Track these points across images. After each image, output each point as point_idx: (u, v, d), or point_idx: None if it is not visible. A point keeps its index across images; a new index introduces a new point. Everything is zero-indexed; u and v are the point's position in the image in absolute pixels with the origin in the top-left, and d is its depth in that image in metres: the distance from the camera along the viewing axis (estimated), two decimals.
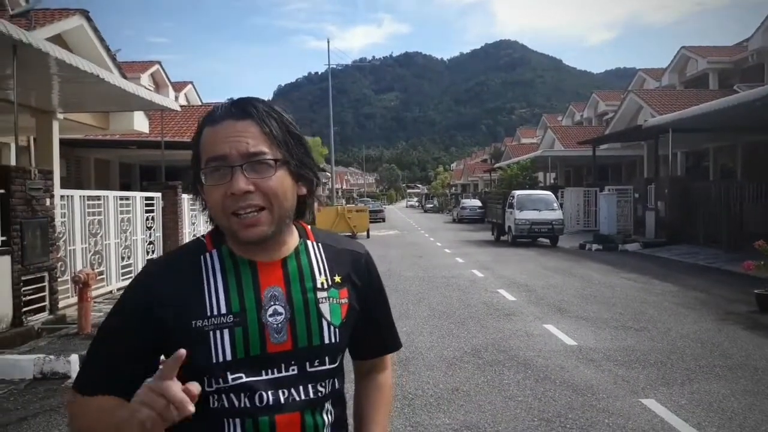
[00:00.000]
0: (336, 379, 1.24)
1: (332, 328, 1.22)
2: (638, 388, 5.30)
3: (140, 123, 14.35)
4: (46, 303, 7.75)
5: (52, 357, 5.93)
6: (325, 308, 1.22)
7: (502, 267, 14.67)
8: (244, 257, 1.20)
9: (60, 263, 8.41)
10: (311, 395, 1.18)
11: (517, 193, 22.66)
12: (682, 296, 10.17)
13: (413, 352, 6.54)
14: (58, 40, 11.28)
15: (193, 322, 1.14)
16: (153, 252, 11.84)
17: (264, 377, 1.15)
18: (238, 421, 1.13)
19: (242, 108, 1.16)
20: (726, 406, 4.80)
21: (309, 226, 1.32)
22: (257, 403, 1.13)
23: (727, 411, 4.70)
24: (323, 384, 1.20)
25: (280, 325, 1.17)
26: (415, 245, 22.17)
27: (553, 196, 22.79)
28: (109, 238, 10.04)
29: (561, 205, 23.58)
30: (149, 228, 11.71)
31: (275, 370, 1.15)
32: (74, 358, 5.93)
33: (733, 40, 32.31)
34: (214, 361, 1.12)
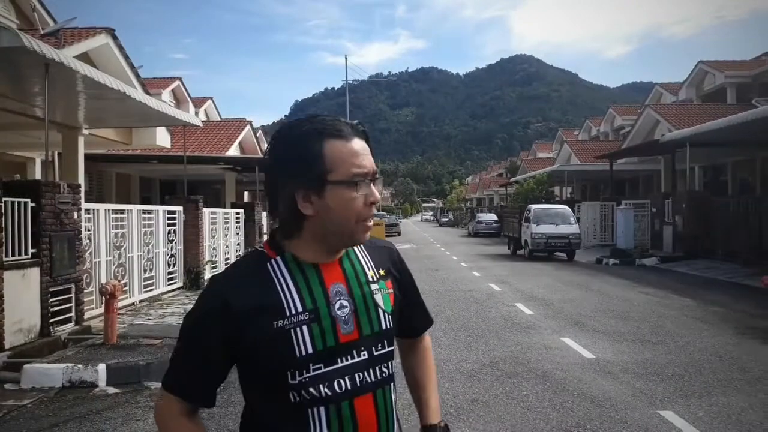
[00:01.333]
0: (392, 360, 1.39)
1: (386, 315, 1.37)
2: (656, 400, 5.33)
3: (162, 138, 14.66)
4: (72, 314, 7.93)
5: (80, 366, 6.09)
6: (378, 298, 1.36)
7: (519, 281, 14.69)
8: (307, 261, 1.32)
9: (86, 275, 8.61)
10: (379, 376, 1.32)
11: (534, 207, 22.68)
12: (700, 311, 10.14)
13: None
14: (85, 57, 11.60)
15: (275, 323, 1.25)
16: (174, 265, 12.04)
17: (339, 365, 1.27)
18: (322, 409, 1.25)
19: (362, 130, 1.34)
20: (744, 419, 4.83)
21: None
22: (337, 390, 1.26)
23: (745, 423, 4.73)
24: (386, 365, 1.35)
25: (347, 317, 1.30)
26: (431, 259, 22.23)
27: (570, 210, 22.77)
28: (132, 251, 10.25)
29: (578, 220, 23.56)
30: (171, 241, 11.92)
31: (348, 358, 1.28)
32: (101, 368, 6.08)
33: (751, 54, 32.15)
34: (298, 355, 1.24)
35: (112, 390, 5.88)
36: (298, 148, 1.27)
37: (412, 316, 1.57)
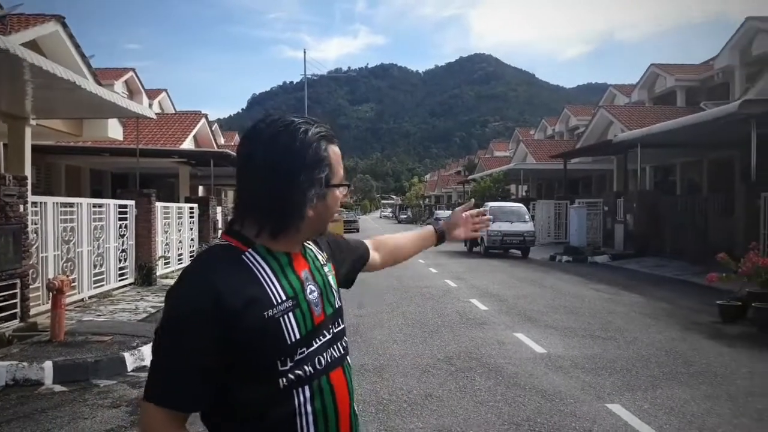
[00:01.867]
0: (345, 335, 1.47)
1: (338, 293, 1.48)
2: (604, 393, 5.48)
3: (114, 130, 14.30)
4: (17, 310, 7.68)
5: (25, 364, 5.90)
6: (331, 279, 1.46)
7: (474, 277, 14.86)
8: (280, 251, 1.36)
9: (32, 270, 8.34)
10: (342, 351, 1.42)
11: (490, 204, 22.97)
12: (648, 307, 10.45)
13: (387, 360, 6.64)
14: (33, 45, 11.22)
15: (266, 313, 1.26)
16: (126, 260, 11.77)
17: (315, 346, 1.34)
18: (306, 387, 1.30)
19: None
20: (686, 410, 5.00)
21: None
22: (318, 367, 1.33)
23: (687, 415, 4.90)
24: (344, 340, 1.45)
25: (316, 300, 1.37)
26: None
27: (525, 208, 23.16)
28: (81, 246, 9.97)
29: (532, 218, 23.98)
30: (122, 236, 11.64)
31: (320, 338, 1.36)
32: (48, 365, 5.91)
33: (701, 59, 33.22)
34: (289, 342, 1.28)
35: (58, 388, 5.72)
36: (317, 152, 1.32)
37: (355, 254, 1.78)
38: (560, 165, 27.66)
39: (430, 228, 2.06)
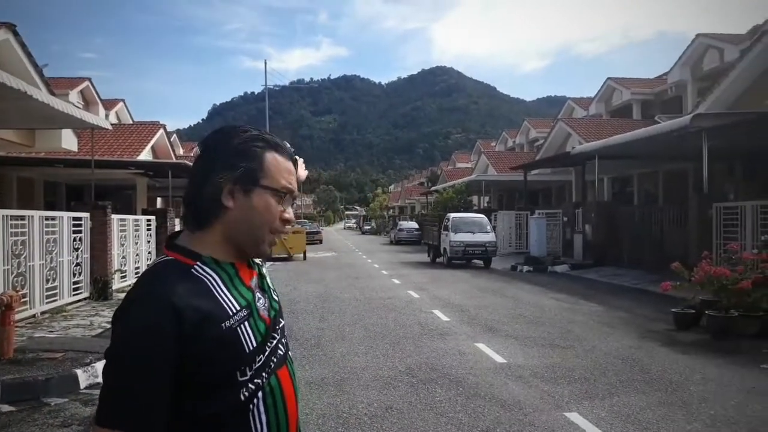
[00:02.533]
0: (285, 333, 1.49)
1: (275, 294, 1.49)
2: (563, 402, 5.53)
3: (68, 141, 13.95)
4: None
5: None
6: (269, 281, 1.48)
7: (437, 288, 14.91)
8: (226, 261, 1.36)
9: None
10: (284, 348, 1.43)
11: (452, 215, 23.14)
12: (606, 316, 10.62)
13: (348, 373, 6.59)
14: None
15: (223, 324, 1.26)
16: (80, 274, 11.44)
17: (268, 350, 1.35)
18: (260, 392, 1.31)
19: (295, 161, 1.46)
20: (642, 417, 5.08)
21: None
22: (270, 368, 1.34)
23: (642, 422, 4.98)
24: (285, 338, 1.46)
25: (264, 306, 1.39)
26: (352, 267, 22.22)
27: (487, 219, 23.38)
28: (33, 260, 9.65)
29: (494, 228, 24.23)
30: (76, 249, 11.32)
31: (271, 341, 1.37)
32: None
33: (655, 73, 34.23)
34: (247, 351, 1.29)
35: (6, 408, 5.51)
36: (241, 146, 1.34)
37: None
38: (521, 176, 28.05)
39: None
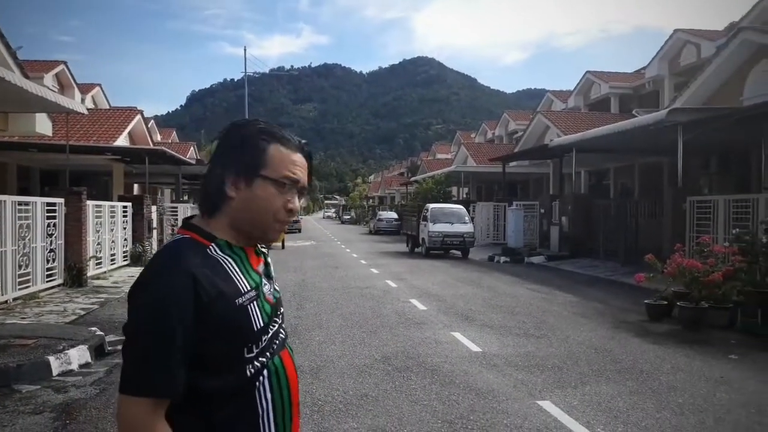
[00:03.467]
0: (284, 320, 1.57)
1: (276, 284, 1.55)
2: (536, 390, 5.61)
3: (43, 125, 13.69)
4: None
5: None
6: (272, 270, 1.56)
7: (415, 278, 14.98)
8: (238, 246, 1.44)
9: None
10: (285, 333, 1.52)
11: (431, 206, 23.22)
12: (581, 306, 10.77)
13: (324, 361, 6.61)
14: None
15: (237, 301, 1.35)
16: (54, 260, 11.29)
17: (271, 332, 1.43)
18: (266, 370, 1.39)
19: (308, 152, 1.51)
20: (613, 406, 5.18)
21: None
22: (273, 350, 1.42)
23: (613, 410, 5.07)
24: (284, 325, 1.55)
25: (270, 291, 1.48)
26: (331, 256, 22.21)
27: (465, 210, 23.50)
28: (5, 245, 9.51)
29: (472, 219, 24.38)
30: (50, 235, 11.17)
31: (274, 324, 1.45)
32: None
33: (634, 67, 34.57)
34: (255, 329, 1.37)
35: None
36: (247, 138, 1.42)
37: None
38: (499, 168, 28.18)
39: None
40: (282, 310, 1.53)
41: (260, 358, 1.38)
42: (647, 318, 9.51)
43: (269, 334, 1.41)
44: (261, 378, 1.38)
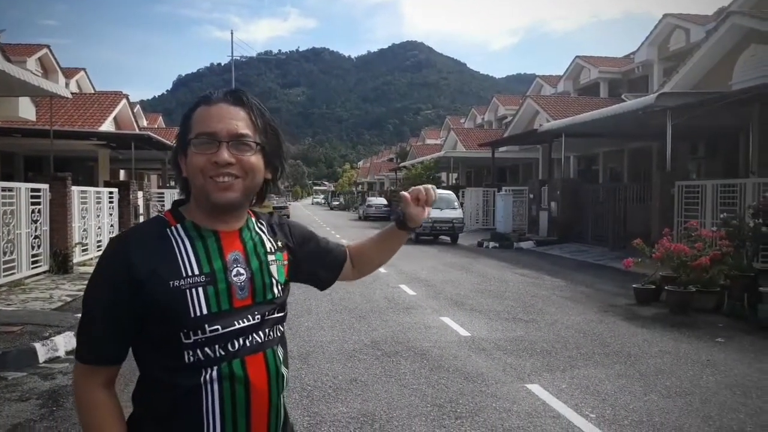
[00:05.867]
0: (281, 324, 1.47)
1: (280, 285, 1.45)
2: (524, 374, 5.63)
3: (26, 110, 13.49)
4: None
5: None
6: (273, 269, 1.44)
7: (404, 263, 14.96)
8: (207, 228, 1.38)
9: None
10: (269, 337, 1.40)
11: None
12: (569, 291, 10.82)
13: (314, 346, 6.59)
14: None
15: (171, 282, 1.30)
16: (39, 247, 11.17)
17: (235, 327, 1.34)
18: (215, 367, 1.31)
19: (237, 96, 1.38)
20: (601, 389, 5.20)
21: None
22: (230, 349, 1.32)
23: (601, 393, 5.10)
24: (275, 328, 1.43)
25: (243, 283, 1.37)
26: None
27: (455, 195, 23.49)
28: None
29: (462, 205, 24.38)
30: (35, 221, 11.03)
31: (243, 321, 1.35)
32: None
33: (623, 52, 34.53)
34: (192, 315, 1.30)
35: None
36: (184, 115, 1.39)
37: (323, 261, 1.68)
38: (489, 153, 28.16)
39: (391, 224, 1.75)
40: (274, 313, 1.42)
41: (204, 349, 1.29)
42: (635, 302, 9.57)
43: (230, 328, 1.32)
44: (207, 373, 1.30)
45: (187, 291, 1.30)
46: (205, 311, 1.30)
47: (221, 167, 1.32)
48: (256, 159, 1.36)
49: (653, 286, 9.65)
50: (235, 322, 1.33)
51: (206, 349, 1.30)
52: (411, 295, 10.13)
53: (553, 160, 23.71)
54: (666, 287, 9.25)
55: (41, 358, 6.07)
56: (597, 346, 6.77)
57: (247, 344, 1.34)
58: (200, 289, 1.31)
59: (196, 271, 1.32)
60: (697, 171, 20.17)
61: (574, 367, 5.88)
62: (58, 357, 6.19)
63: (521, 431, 4.28)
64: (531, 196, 23.25)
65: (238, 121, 1.35)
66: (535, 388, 5.20)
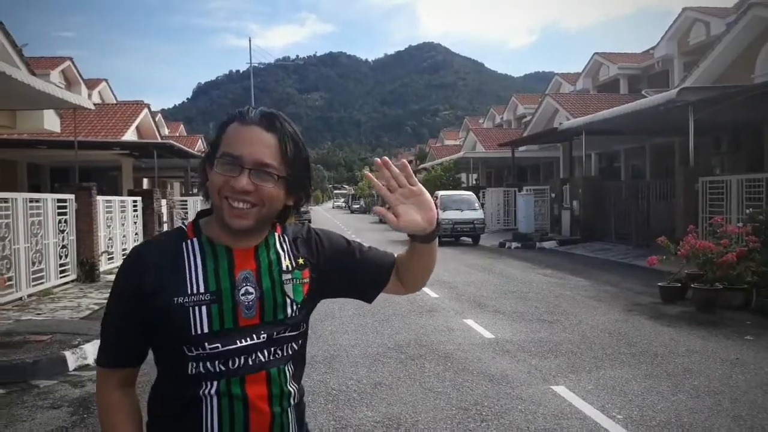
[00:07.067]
0: (295, 342, 1.44)
1: (295, 304, 1.42)
2: (550, 376, 5.59)
3: (51, 122, 13.74)
4: None
5: None
6: (288, 288, 1.41)
7: None
8: (222, 244, 1.38)
9: None
10: (274, 356, 1.38)
11: (441, 193, 23.16)
12: (593, 290, 10.72)
13: (337, 350, 6.62)
14: None
15: (175, 299, 1.32)
16: (67, 256, 11.37)
17: (238, 345, 1.34)
18: (214, 382, 1.33)
19: (271, 121, 1.34)
20: (627, 390, 5.15)
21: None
22: (230, 366, 1.33)
23: (628, 394, 5.05)
24: (285, 347, 1.41)
25: (250, 302, 1.36)
26: None
27: (475, 196, 23.42)
28: (18, 242, 9.56)
29: (482, 205, 24.29)
30: (62, 231, 11.23)
31: (247, 339, 1.35)
32: None
33: (641, 47, 34.28)
34: (193, 333, 1.32)
35: None
36: (218, 127, 1.39)
37: (365, 273, 1.57)
38: (508, 153, 28.02)
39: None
40: (284, 333, 1.39)
41: (206, 363, 1.32)
42: (661, 300, 9.45)
43: (231, 346, 1.32)
44: (207, 388, 1.32)
45: (190, 308, 1.31)
46: (206, 329, 1.31)
47: (238, 193, 1.30)
48: (275, 189, 1.33)
49: (679, 284, 9.52)
50: (238, 341, 1.33)
51: (207, 363, 1.32)
52: (433, 298, 10.12)
53: (574, 158, 23.51)
54: (692, 285, 9.12)
55: (71, 366, 6.18)
56: (623, 345, 6.71)
57: (249, 362, 1.34)
58: (203, 308, 1.32)
59: (202, 289, 1.33)
60: (720, 166, 19.86)
61: (600, 368, 5.83)
62: (87, 365, 6.29)
63: None
64: (553, 195, 23.09)
65: (266, 148, 1.31)
66: (560, 389, 5.17)
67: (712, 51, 17.75)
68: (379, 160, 1.42)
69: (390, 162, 1.41)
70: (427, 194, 1.43)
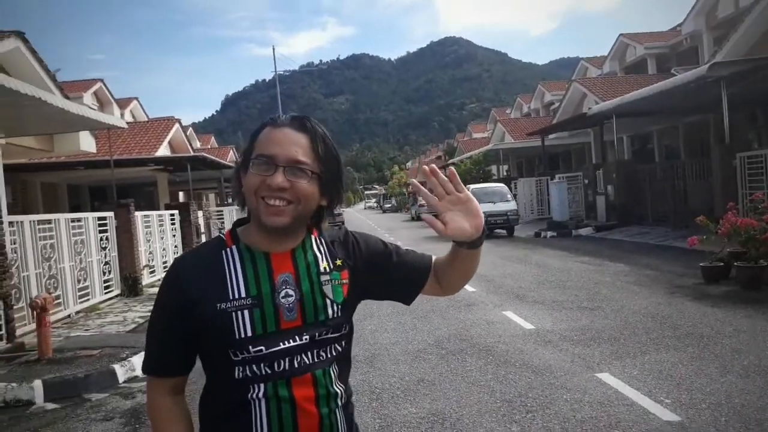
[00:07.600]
0: (338, 344, 1.46)
1: (335, 305, 1.44)
2: (593, 363, 5.54)
3: (87, 143, 14.11)
4: (3, 332, 7.59)
5: (14, 384, 5.84)
6: (328, 289, 1.43)
7: None
8: (260, 249, 1.42)
9: (14, 290, 8.23)
10: (319, 358, 1.40)
11: (472, 187, 23.01)
12: (633, 275, 10.56)
13: (378, 349, 6.66)
14: None
15: (218, 305, 1.36)
16: (110, 272, 11.66)
17: (281, 347, 1.36)
18: (261, 385, 1.36)
19: (301, 123, 1.40)
20: (674, 373, 5.08)
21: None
22: (276, 369, 1.36)
23: (675, 377, 4.97)
24: (328, 348, 1.43)
25: (291, 305, 1.38)
26: None
27: (506, 187, 23.25)
28: (63, 262, 9.86)
29: (515, 196, 24.08)
30: (104, 248, 11.53)
31: (290, 341, 1.37)
32: (37, 384, 5.85)
33: (668, 25, 33.60)
34: (237, 337, 1.35)
35: (50, 406, 5.67)
36: (251, 134, 1.42)
37: (403, 275, 1.59)
38: (538, 142, 27.71)
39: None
40: (327, 334, 1.40)
41: (252, 366, 1.35)
42: (703, 281, 9.26)
43: (274, 348, 1.35)
44: (255, 391, 1.35)
45: (233, 313, 1.35)
46: (249, 333, 1.34)
47: (274, 190, 1.33)
48: (310, 186, 1.36)
49: (721, 263, 9.31)
50: (281, 343, 1.35)
51: (253, 366, 1.35)
52: (471, 292, 10.09)
53: (606, 143, 23.14)
54: (735, 263, 8.91)
55: (120, 379, 6.35)
56: (667, 329, 6.60)
57: (294, 365, 1.36)
58: (246, 312, 1.35)
59: (243, 294, 1.36)
60: (758, 140, 19.32)
61: (644, 353, 5.75)
62: (136, 376, 6.46)
63: (595, 421, 4.23)
64: (586, 181, 22.78)
65: (299, 147, 1.36)
66: (605, 376, 5.12)
67: (743, 23, 17.25)
68: (426, 168, 1.43)
69: (437, 170, 1.42)
70: (475, 201, 1.43)
